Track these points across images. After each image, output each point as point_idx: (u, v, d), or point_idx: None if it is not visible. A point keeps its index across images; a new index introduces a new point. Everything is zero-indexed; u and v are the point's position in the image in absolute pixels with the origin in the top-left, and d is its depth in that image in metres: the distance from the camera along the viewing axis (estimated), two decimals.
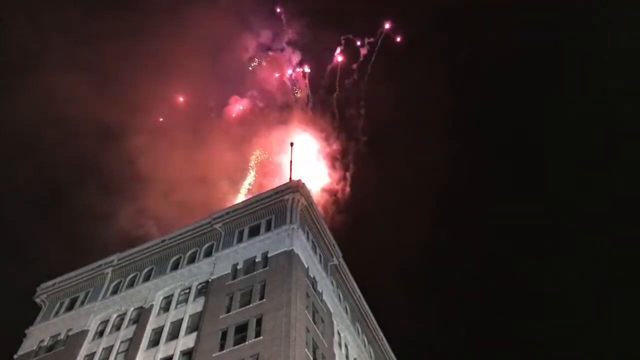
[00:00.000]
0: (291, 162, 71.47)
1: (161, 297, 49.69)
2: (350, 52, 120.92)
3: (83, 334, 50.14)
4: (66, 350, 49.28)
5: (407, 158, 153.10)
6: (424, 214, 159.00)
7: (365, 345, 57.73)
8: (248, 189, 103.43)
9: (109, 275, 56.31)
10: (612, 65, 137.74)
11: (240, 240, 50.82)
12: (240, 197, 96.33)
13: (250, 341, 39.01)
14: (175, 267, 52.80)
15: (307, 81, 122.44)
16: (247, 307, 42.37)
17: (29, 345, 52.57)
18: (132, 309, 50.30)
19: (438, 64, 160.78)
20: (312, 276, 48.04)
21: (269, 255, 46.60)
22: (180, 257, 53.81)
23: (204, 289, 47.37)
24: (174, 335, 44.31)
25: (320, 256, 53.12)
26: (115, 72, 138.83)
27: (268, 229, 50.15)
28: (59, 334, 51.81)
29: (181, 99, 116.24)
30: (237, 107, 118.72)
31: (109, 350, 46.99)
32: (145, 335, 45.75)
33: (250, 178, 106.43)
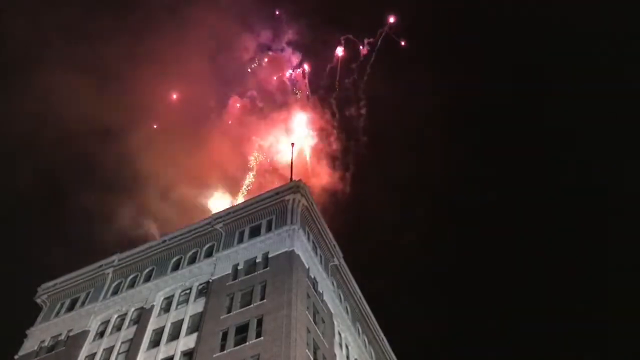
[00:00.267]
0: (291, 162, 71.50)
1: (162, 298, 49.70)
2: (350, 52, 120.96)
3: (84, 334, 50.14)
4: (67, 350, 49.30)
5: (407, 158, 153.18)
6: (424, 214, 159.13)
7: (366, 345, 57.75)
8: (248, 189, 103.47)
9: (110, 275, 56.32)
10: None
11: (241, 240, 50.84)
12: (240, 198, 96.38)
13: (251, 342, 39.02)
14: (176, 267, 52.82)
15: (307, 81, 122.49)
16: (247, 307, 42.38)
17: (29, 345, 52.59)
18: (132, 309, 50.30)
19: (438, 64, 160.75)
20: (312, 277, 48.06)
21: (270, 255, 46.62)
22: (181, 257, 53.83)
23: (205, 290, 47.38)
24: (174, 335, 44.32)
25: (320, 257, 53.15)
26: (115, 72, 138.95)
27: (269, 229, 50.17)
28: (60, 335, 51.82)
29: (176, 98, 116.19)
30: (237, 107, 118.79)
31: (109, 350, 47.00)
32: (145, 335, 45.75)
33: (250, 178, 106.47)
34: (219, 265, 48.94)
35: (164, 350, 43.31)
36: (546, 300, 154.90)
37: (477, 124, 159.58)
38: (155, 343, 44.67)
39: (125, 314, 50.30)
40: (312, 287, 46.68)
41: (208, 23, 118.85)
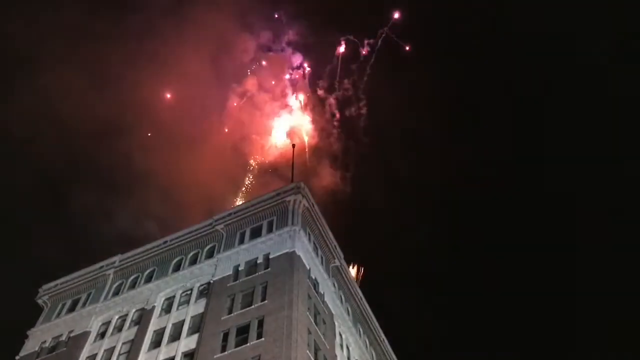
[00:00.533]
0: (292, 163, 71.51)
1: (163, 299, 49.68)
2: (351, 52, 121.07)
3: (85, 335, 50.13)
4: (68, 351, 49.28)
5: (407, 158, 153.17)
6: (424, 214, 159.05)
7: (367, 346, 57.72)
8: (248, 190, 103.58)
9: (111, 276, 56.32)
10: None
11: (242, 241, 50.83)
12: (241, 198, 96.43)
13: (251, 343, 38.99)
14: (177, 268, 52.82)
15: (307, 81, 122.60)
16: (248, 308, 42.36)
17: (30, 346, 52.58)
18: (133, 310, 50.27)
19: (439, 63, 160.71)
20: (313, 278, 48.05)
21: (271, 256, 46.61)
22: (182, 258, 53.84)
23: (206, 291, 47.37)
24: (175, 336, 44.30)
25: (321, 257, 53.14)
26: (115, 73, 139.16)
27: (270, 230, 50.18)
28: (61, 335, 51.80)
29: (176, 98, 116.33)
30: (237, 107, 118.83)
31: (110, 351, 46.97)
32: (146, 336, 45.72)
33: (250, 179, 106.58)
34: (220, 266, 48.92)
35: (164, 351, 43.27)
36: (546, 300, 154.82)
37: (477, 124, 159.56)
38: (156, 344, 44.64)
39: (126, 314, 50.28)
40: (313, 288, 46.67)
41: (208, 24, 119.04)
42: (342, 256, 57.13)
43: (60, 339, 51.50)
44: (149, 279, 53.48)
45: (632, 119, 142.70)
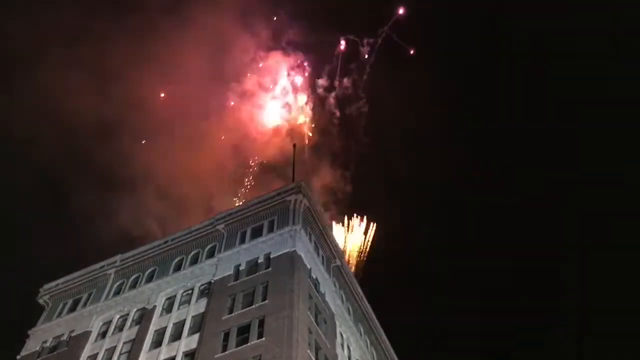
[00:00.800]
0: (293, 162, 71.36)
1: (164, 298, 49.70)
2: (351, 52, 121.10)
3: (86, 335, 50.15)
4: (69, 351, 49.32)
5: (407, 158, 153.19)
6: (424, 214, 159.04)
7: (367, 346, 57.74)
8: (248, 190, 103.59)
9: (112, 276, 56.32)
10: None
11: (242, 241, 50.84)
12: (241, 198, 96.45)
13: (252, 342, 39.03)
14: (178, 268, 52.83)
15: (307, 81, 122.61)
16: (249, 308, 42.39)
17: (31, 346, 52.59)
18: (134, 310, 50.29)
19: (439, 63, 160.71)
20: (314, 277, 48.08)
21: (272, 256, 46.62)
22: (183, 258, 53.85)
23: (207, 290, 47.40)
24: (176, 336, 44.34)
25: (322, 257, 53.17)
26: (115, 72, 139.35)
27: (270, 230, 50.19)
28: (62, 335, 51.81)
29: (176, 98, 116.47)
30: (238, 106, 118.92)
31: (111, 351, 47.00)
32: (147, 336, 45.75)
33: (250, 179, 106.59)
34: (221, 265, 48.95)
35: (165, 350, 43.31)
36: (546, 300, 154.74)
37: (478, 124, 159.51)
38: (157, 343, 44.67)
39: (127, 314, 50.30)
40: (313, 287, 46.70)
41: (208, 23, 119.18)
42: (342, 256, 57.09)
43: (62, 339, 51.53)
44: (149, 279, 53.50)
45: (632, 119, 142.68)
